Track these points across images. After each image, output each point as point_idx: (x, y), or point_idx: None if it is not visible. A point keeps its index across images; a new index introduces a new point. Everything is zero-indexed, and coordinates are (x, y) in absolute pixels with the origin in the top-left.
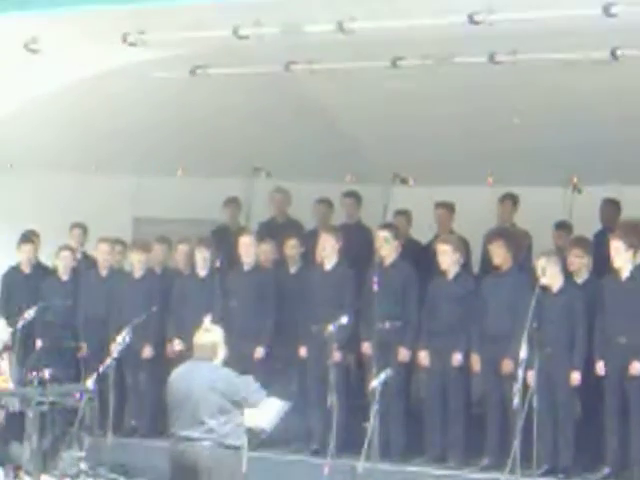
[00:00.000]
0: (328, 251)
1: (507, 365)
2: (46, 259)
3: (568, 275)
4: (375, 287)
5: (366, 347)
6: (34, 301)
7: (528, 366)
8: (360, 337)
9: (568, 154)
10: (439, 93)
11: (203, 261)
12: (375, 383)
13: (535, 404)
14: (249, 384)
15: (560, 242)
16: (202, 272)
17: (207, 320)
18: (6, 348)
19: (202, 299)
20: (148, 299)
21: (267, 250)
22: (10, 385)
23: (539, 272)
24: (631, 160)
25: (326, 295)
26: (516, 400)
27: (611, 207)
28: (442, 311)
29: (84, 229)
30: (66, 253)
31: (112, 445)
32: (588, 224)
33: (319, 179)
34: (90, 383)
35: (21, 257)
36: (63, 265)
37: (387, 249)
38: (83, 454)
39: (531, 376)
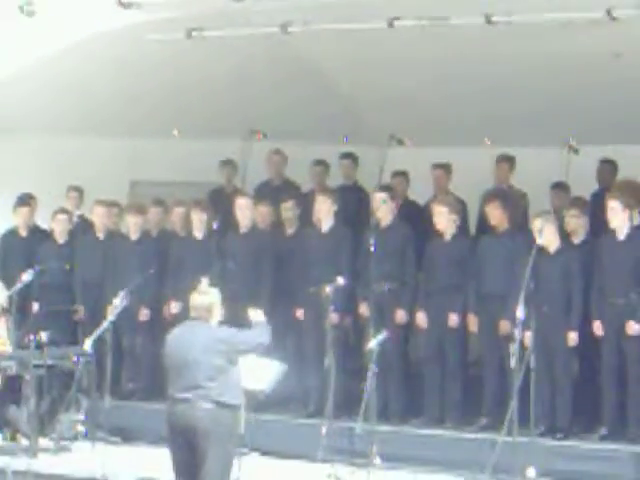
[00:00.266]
0: (324, 213)
1: (504, 326)
2: (43, 222)
3: (565, 236)
4: (372, 248)
5: (363, 308)
6: (31, 264)
7: (525, 326)
8: (357, 299)
9: (565, 115)
10: (435, 55)
11: (199, 223)
12: (372, 344)
13: (532, 364)
14: (247, 335)
15: (557, 203)
16: (199, 234)
17: (204, 282)
18: (3, 311)
19: (199, 261)
20: (145, 262)
21: (264, 212)
22: (7, 348)
23: (536, 233)
24: (628, 120)
25: (323, 257)
26: (513, 361)
27: (608, 167)
28: (439, 272)
29: (80, 192)
30: (62, 216)
31: (109, 408)
32: (585, 185)
33: (316, 141)
34: (87, 346)
35: (18, 220)
36: (59, 228)
37: (384, 210)
38: (81, 417)
39: (528, 336)
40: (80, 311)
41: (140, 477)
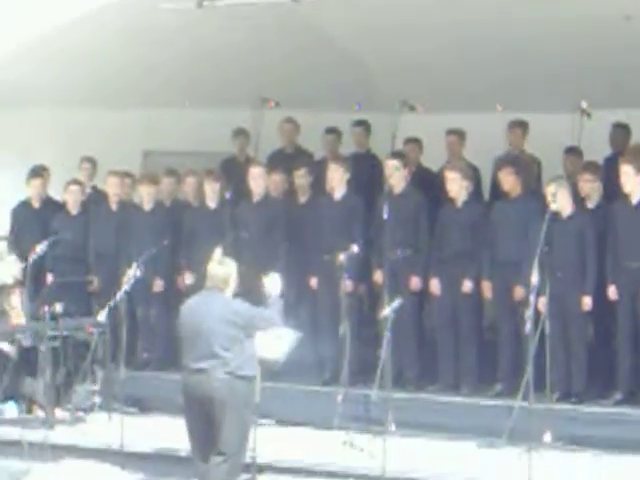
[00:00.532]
0: (337, 181)
1: (518, 291)
2: (56, 194)
3: (579, 201)
4: (385, 216)
5: (378, 276)
6: (44, 236)
7: (540, 292)
8: (371, 266)
9: (577, 79)
10: (447, 20)
11: (212, 193)
12: (387, 311)
13: (547, 330)
14: (261, 312)
15: (570, 168)
16: (212, 204)
17: (218, 252)
18: (17, 284)
19: (212, 231)
20: (158, 232)
21: (277, 180)
22: (22, 320)
23: (549, 198)
24: None
25: (336, 225)
26: (528, 326)
27: (621, 131)
28: (451, 239)
29: (94, 163)
30: (74, 187)
31: (125, 378)
32: (598, 149)
33: (328, 109)
34: (102, 317)
35: (31, 192)
36: (72, 199)
37: (396, 177)
38: (96, 388)
39: (543, 302)
40: (94, 282)
41: (157, 447)
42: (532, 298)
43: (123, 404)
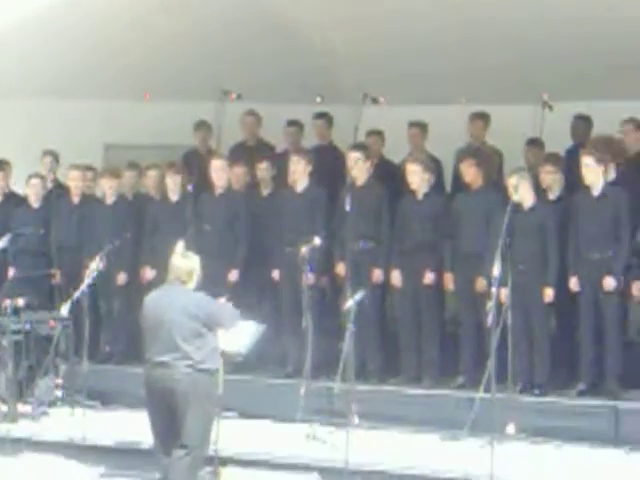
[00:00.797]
0: (299, 173)
1: (480, 283)
2: (19, 188)
3: (540, 192)
4: (348, 208)
5: (340, 268)
6: (6, 230)
7: (501, 284)
8: (334, 258)
9: (538, 71)
10: (408, 10)
11: (174, 186)
12: (350, 303)
13: (509, 321)
14: (223, 307)
15: (532, 159)
16: (174, 197)
17: (180, 245)
18: None
19: (174, 224)
20: (120, 225)
21: (239, 173)
22: None
23: (511, 190)
24: (601, 75)
25: (298, 217)
26: (490, 318)
27: (582, 123)
28: (412, 230)
29: (55, 156)
30: (35, 181)
31: (88, 372)
32: (560, 141)
33: (289, 101)
34: (64, 310)
35: None
36: (33, 193)
37: (358, 169)
38: (59, 381)
39: (504, 294)
40: (57, 275)
41: (119, 441)
42: (494, 290)
43: (86, 398)
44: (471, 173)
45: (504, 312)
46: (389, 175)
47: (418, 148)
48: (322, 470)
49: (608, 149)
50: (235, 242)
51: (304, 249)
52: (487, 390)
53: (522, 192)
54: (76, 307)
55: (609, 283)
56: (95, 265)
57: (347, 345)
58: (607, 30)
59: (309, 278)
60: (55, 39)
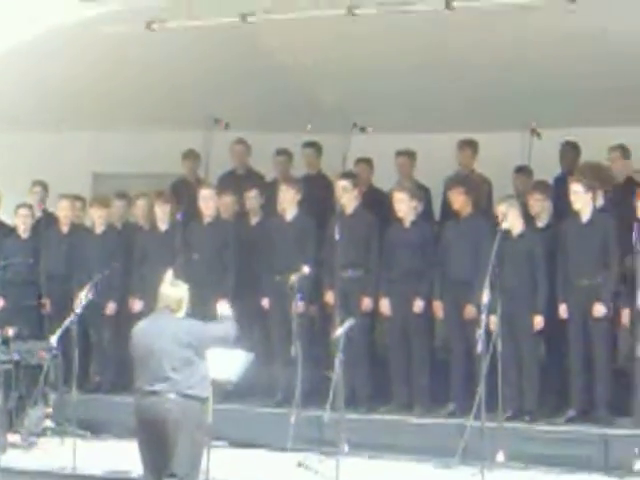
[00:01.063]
0: (288, 202)
1: (470, 311)
2: (8, 218)
3: (529, 219)
4: (337, 236)
5: (329, 296)
6: None
7: (491, 311)
8: (323, 287)
9: (526, 99)
10: (396, 42)
11: (163, 215)
12: (339, 332)
13: (499, 349)
14: (215, 329)
15: (520, 187)
16: (162, 226)
17: (169, 274)
18: None
19: (163, 253)
20: (110, 255)
21: (227, 202)
22: None
23: (500, 217)
24: (590, 102)
25: (287, 246)
26: (479, 345)
27: (570, 150)
28: (399, 259)
29: (44, 186)
30: (24, 211)
31: (77, 401)
32: (548, 168)
33: (278, 130)
34: (54, 340)
35: None
36: (22, 223)
37: (347, 198)
38: (48, 411)
39: (494, 321)
40: (46, 305)
41: (109, 470)
42: (483, 317)
43: (75, 427)
44: (460, 201)
45: (493, 339)
46: (378, 203)
47: (406, 177)
48: None
49: (596, 176)
50: (224, 271)
51: (293, 277)
52: (477, 417)
53: (511, 219)
54: (65, 337)
55: (598, 310)
56: (84, 295)
57: (336, 373)
58: (594, 57)
59: (298, 306)
60: (44, 72)
